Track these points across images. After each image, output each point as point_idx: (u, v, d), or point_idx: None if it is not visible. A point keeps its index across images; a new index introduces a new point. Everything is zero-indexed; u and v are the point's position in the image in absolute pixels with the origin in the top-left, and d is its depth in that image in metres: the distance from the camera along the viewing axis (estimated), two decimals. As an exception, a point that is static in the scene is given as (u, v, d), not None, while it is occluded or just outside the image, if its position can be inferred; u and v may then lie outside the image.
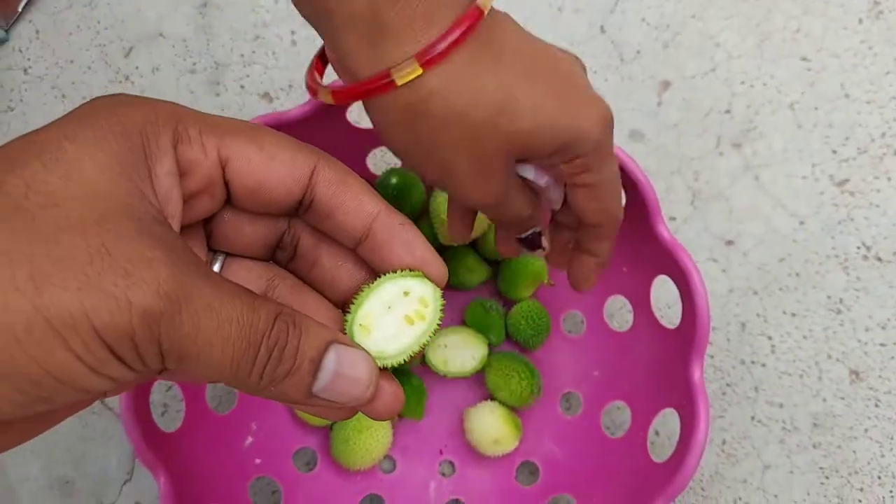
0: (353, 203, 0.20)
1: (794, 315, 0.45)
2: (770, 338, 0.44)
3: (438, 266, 0.21)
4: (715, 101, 0.47)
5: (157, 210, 0.18)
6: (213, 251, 0.22)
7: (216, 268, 0.22)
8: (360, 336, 0.20)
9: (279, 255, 0.22)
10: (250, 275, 0.22)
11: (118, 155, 0.17)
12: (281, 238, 0.22)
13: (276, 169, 0.20)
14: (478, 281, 0.42)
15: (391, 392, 0.20)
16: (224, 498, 0.37)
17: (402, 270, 0.21)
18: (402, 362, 0.20)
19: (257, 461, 0.39)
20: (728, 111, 0.47)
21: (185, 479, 0.35)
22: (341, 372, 0.19)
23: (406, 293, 0.21)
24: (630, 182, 0.36)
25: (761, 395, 0.44)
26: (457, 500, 0.41)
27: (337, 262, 0.22)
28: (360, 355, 0.19)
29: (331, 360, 0.19)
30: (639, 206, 0.37)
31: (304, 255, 0.22)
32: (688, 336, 0.36)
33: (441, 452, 0.42)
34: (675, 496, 0.34)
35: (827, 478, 0.43)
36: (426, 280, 0.21)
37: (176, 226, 0.19)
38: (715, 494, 0.43)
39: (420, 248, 0.21)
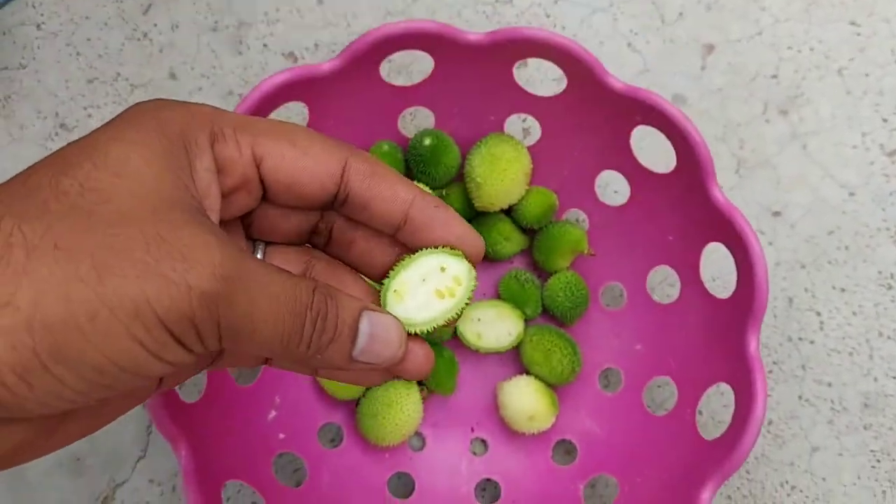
0: (389, 192, 0.21)
1: (843, 290, 0.42)
2: (818, 314, 0.42)
3: (476, 240, 0.22)
4: (761, 65, 0.45)
5: (199, 202, 0.19)
6: (252, 240, 0.23)
7: (258, 256, 0.23)
8: (392, 302, 0.22)
9: (315, 240, 0.23)
10: (288, 258, 0.23)
11: (162, 152, 0.18)
12: (316, 226, 0.23)
13: (309, 164, 0.21)
14: (513, 251, 0.40)
15: (422, 353, 0.22)
16: (246, 474, 0.35)
17: (441, 247, 0.22)
18: (428, 332, 0.22)
19: (281, 436, 0.37)
20: (774, 76, 0.45)
21: (206, 453, 0.33)
22: (375, 334, 0.20)
23: (443, 269, 0.22)
24: (682, 142, 0.34)
25: (809, 374, 0.42)
26: (490, 480, 0.39)
27: (372, 244, 0.23)
28: (389, 319, 0.21)
29: (365, 325, 0.20)
30: (690, 169, 0.34)
31: (340, 238, 0.23)
32: (743, 305, 0.33)
33: (473, 430, 0.40)
34: (729, 475, 0.32)
35: (878, 461, 0.41)
36: (463, 259, 0.22)
37: (215, 219, 0.20)
38: (761, 477, 0.41)
39: (457, 226, 0.22)
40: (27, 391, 0.16)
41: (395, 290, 0.22)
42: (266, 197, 0.21)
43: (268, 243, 0.23)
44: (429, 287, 0.22)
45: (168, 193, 0.18)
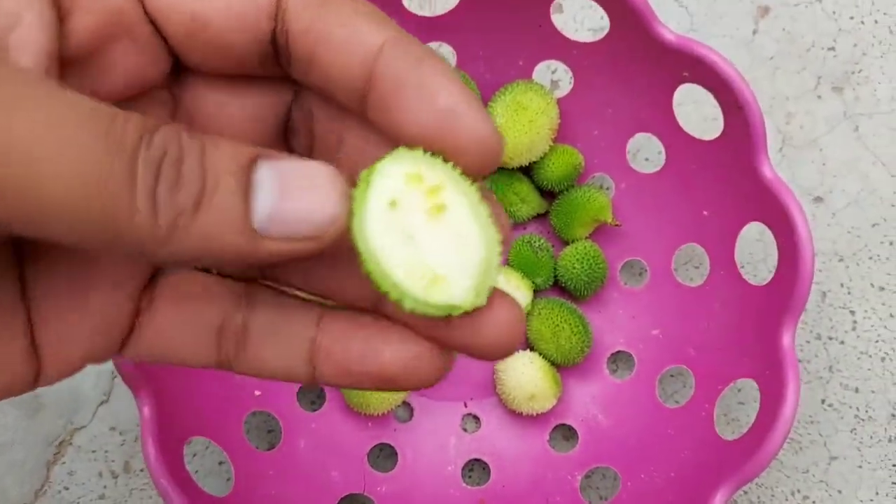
0: (342, 32, 0.14)
1: (882, 289, 0.39)
2: (853, 312, 0.39)
3: (477, 122, 0.13)
4: (818, 35, 0.41)
5: None
6: None
7: None
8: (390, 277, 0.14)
9: (295, 144, 0.16)
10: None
11: None
12: (287, 119, 0.16)
13: None
14: (529, 214, 0.37)
15: (506, 312, 0.14)
16: (213, 431, 0.32)
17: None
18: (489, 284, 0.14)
19: (256, 393, 0.34)
20: (832, 48, 0.41)
21: (171, 404, 0.30)
22: (287, 185, 0.13)
23: (412, 180, 0.14)
24: (735, 106, 0.30)
25: (836, 377, 0.38)
26: (479, 460, 0.36)
27: (370, 143, 0.15)
28: (311, 164, 0.13)
29: (265, 173, 0.13)
30: (739, 139, 0.31)
31: (325, 137, 0.16)
32: (781, 295, 0.30)
33: (466, 405, 0.37)
34: (747, 481, 0.29)
35: (900, 476, 0.38)
36: (438, 162, 0.14)
37: (34, 63, 0.13)
38: (771, 483, 0.38)
39: (446, 92, 0.13)
40: None
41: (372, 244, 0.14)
42: (185, 65, 0.15)
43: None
44: (409, 218, 0.14)
45: None
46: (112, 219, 0.11)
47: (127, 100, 0.14)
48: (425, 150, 0.14)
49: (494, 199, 0.15)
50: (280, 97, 0.15)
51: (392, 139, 0.14)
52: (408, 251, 0.14)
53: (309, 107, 0.15)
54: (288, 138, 0.16)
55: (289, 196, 0.13)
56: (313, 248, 0.13)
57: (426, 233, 0.14)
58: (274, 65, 0.14)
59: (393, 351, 0.14)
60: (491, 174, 0.15)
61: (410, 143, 0.14)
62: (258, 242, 0.13)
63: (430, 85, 0.13)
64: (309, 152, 0.16)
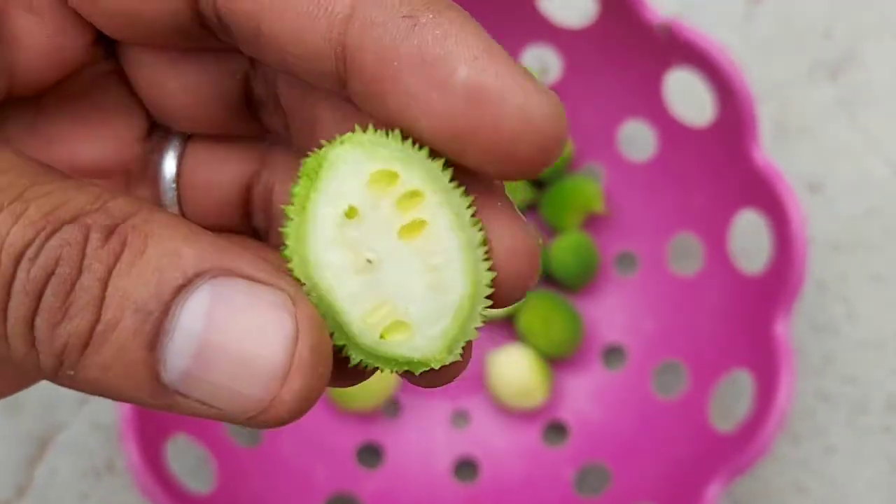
0: None
1: (878, 279, 0.39)
2: (848, 302, 0.38)
3: (525, 96, 0.10)
4: (813, 19, 0.40)
5: None
6: (166, 133, 0.13)
7: (169, 168, 0.13)
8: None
9: (267, 121, 0.13)
10: (223, 164, 0.13)
11: None
12: (246, 90, 0.13)
13: None
14: (518, 204, 0.36)
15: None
16: (196, 428, 0.31)
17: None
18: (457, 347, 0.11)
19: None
20: (826, 34, 0.40)
21: None
22: (214, 338, 0.09)
23: (384, 179, 0.10)
24: (726, 92, 0.29)
25: (831, 368, 0.38)
26: (469, 457, 0.35)
27: (345, 114, 0.12)
28: (268, 294, 0.09)
29: (197, 306, 0.09)
30: (730, 125, 0.30)
31: (296, 112, 0.12)
32: (775, 284, 0.30)
33: (455, 400, 0.36)
34: (741, 473, 0.29)
35: (894, 467, 0.37)
36: (424, 159, 0.10)
37: None
38: (768, 475, 0.37)
39: (465, 59, 0.10)
40: None
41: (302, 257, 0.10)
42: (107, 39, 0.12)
43: (188, 137, 0.13)
44: (371, 235, 0.10)
45: None
46: None
47: (65, 77, 0.12)
48: (404, 136, 0.10)
49: (512, 213, 0.11)
50: (235, 67, 0.12)
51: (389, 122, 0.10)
52: (362, 281, 0.10)
53: (272, 79, 0.12)
54: (258, 114, 0.13)
55: (213, 355, 0.09)
56: (246, 425, 0.10)
57: (392, 258, 0.10)
58: (208, 38, 0.11)
59: None
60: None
61: (390, 127, 0.10)
62: (169, 398, 0.10)
63: (437, 53, 0.10)
64: (285, 129, 0.13)
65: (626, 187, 0.35)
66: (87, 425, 0.36)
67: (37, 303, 0.09)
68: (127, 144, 0.13)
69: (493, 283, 0.11)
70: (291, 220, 0.10)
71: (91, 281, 0.09)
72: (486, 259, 0.11)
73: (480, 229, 0.11)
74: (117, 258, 0.09)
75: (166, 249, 0.09)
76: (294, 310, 0.09)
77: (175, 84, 0.12)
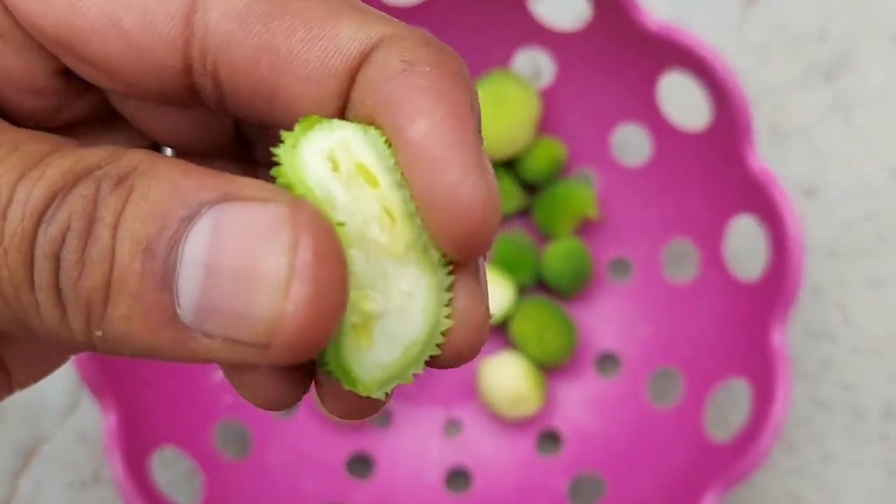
0: (313, 51, 0.10)
1: (875, 284, 0.38)
2: (844, 308, 0.38)
3: (459, 173, 0.10)
4: (808, 22, 0.40)
5: None
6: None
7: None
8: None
9: (259, 155, 0.14)
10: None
11: None
12: (238, 127, 0.13)
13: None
14: (510, 210, 0.36)
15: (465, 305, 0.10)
16: (183, 440, 0.31)
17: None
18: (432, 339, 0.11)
19: (227, 400, 0.33)
20: (821, 37, 0.40)
21: (137, 413, 0.29)
22: (217, 262, 0.09)
23: (339, 154, 0.10)
24: (720, 96, 0.29)
25: (827, 375, 0.37)
26: (461, 467, 0.35)
27: None
28: (266, 209, 0.09)
29: (199, 236, 0.09)
30: (725, 129, 0.30)
31: None
32: (770, 291, 0.29)
33: (447, 409, 0.36)
34: (736, 483, 0.28)
35: (891, 475, 0.37)
36: (378, 138, 0.10)
37: None
38: (763, 484, 0.37)
39: (423, 116, 0.10)
40: None
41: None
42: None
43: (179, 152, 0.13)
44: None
45: None
46: (21, 322, 0.09)
47: (51, 106, 0.12)
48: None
49: (475, 279, 0.11)
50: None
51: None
52: (360, 254, 0.10)
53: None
54: (250, 151, 0.13)
55: (221, 281, 0.09)
56: (265, 360, 0.09)
57: (377, 253, 0.10)
58: (197, 101, 0.11)
59: None
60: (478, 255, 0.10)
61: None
62: (192, 343, 0.09)
63: (406, 103, 0.10)
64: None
65: (620, 192, 0.35)
66: (73, 436, 0.36)
67: (57, 263, 0.09)
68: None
69: (445, 336, 0.10)
70: (282, 159, 0.10)
71: (102, 230, 0.09)
72: (448, 306, 0.10)
73: (450, 273, 0.10)
74: (125, 203, 0.09)
75: (167, 186, 0.09)
76: (292, 216, 0.09)
77: (162, 125, 0.12)
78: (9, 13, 0.11)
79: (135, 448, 0.28)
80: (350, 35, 0.10)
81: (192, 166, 0.09)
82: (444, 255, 0.10)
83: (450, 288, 0.10)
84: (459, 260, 0.10)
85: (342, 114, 0.10)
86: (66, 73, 0.11)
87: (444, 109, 0.10)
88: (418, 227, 0.10)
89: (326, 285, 0.09)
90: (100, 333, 0.09)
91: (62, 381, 0.36)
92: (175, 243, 0.09)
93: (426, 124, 0.10)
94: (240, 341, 0.09)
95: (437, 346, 0.11)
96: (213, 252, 0.09)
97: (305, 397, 0.27)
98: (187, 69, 0.10)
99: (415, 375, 0.11)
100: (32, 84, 0.11)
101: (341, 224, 0.10)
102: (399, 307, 0.10)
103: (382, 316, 0.10)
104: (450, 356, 0.11)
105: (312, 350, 0.09)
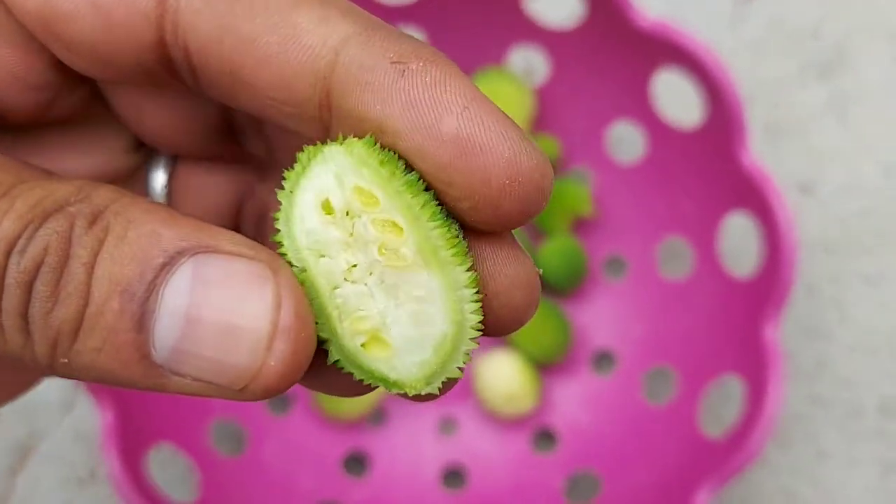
0: (274, 37, 0.10)
1: (870, 281, 0.38)
2: (840, 305, 0.38)
3: (512, 150, 0.10)
4: (803, 19, 0.40)
5: None
6: (156, 156, 0.13)
7: (159, 178, 0.13)
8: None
9: (250, 147, 0.13)
10: (212, 184, 0.13)
11: None
12: (228, 116, 0.13)
13: None
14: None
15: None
16: (179, 438, 0.31)
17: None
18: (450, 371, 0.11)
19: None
20: (816, 34, 0.39)
21: (135, 411, 0.29)
22: (198, 313, 0.09)
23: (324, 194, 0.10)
24: (714, 94, 0.29)
25: (823, 372, 0.37)
26: (457, 465, 0.35)
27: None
28: (247, 266, 0.10)
29: (180, 284, 0.09)
30: (719, 127, 0.30)
31: (280, 139, 0.13)
32: (764, 288, 0.29)
33: (443, 407, 0.36)
34: (729, 479, 0.28)
35: (889, 473, 0.37)
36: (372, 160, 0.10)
37: None
38: (758, 481, 0.37)
39: (450, 111, 0.10)
40: None
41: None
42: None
43: (177, 159, 0.13)
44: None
45: None
46: None
47: (46, 100, 0.12)
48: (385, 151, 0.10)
49: (512, 245, 0.11)
50: (212, 100, 0.12)
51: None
52: (348, 285, 0.10)
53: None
54: (240, 141, 0.13)
55: (199, 329, 0.09)
56: (237, 399, 0.10)
57: (376, 274, 0.10)
58: (177, 83, 0.11)
59: None
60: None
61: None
62: (162, 377, 0.10)
63: (426, 100, 0.10)
64: (268, 154, 0.13)
65: (615, 190, 0.35)
66: (69, 434, 0.36)
67: (28, 293, 0.09)
68: (115, 155, 0.13)
69: (493, 312, 0.11)
70: (282, 205, 0.10)
71: (77, 267, 0.09)
72: (475, 300, 0.11)
73: (469, 268, 0.11)
74: (101, 244, 0.09)
75: (147, 231, 0.10)
76: (274, 278, 0.10)
77: (152, 114, 0.12)
78: (2, 4, 0.11)
79: (131, 445, 0.28)
80: (309, 27, 0.10)
81: (169, 211, 0.10)
82: (459, 245, 0.10)
83: (471, 283, 0.11)
84: (504, 228, 0.10)
85: (305, 96, 0.10)
86: (58, 68, 0.11)
87: (460, 98, 0.10)
88: (427, 228, 0.10)
89: (304, 343, 0.10)
90: (65, 361, 0.10)
91: (59, 379, 0.36)
92: (154, 289, 0.09)
93: (453, 117, 0.10)
94: (215, 384, 0.10)
95: (473, 339, 0.11)
96: (194, 302, 0.09)
97: (303, 397, 0.27)
98: (162, 42, 0.10)
99: (463, 368, 0.11)
100: (25, 76, 0.11)
101: (303, 270, 0.10)
102: (417, 312, 0.10)
103: (391, 325, 0.10)
104: (510, 318, 0.11)
105: (286, 388, 0.10)
